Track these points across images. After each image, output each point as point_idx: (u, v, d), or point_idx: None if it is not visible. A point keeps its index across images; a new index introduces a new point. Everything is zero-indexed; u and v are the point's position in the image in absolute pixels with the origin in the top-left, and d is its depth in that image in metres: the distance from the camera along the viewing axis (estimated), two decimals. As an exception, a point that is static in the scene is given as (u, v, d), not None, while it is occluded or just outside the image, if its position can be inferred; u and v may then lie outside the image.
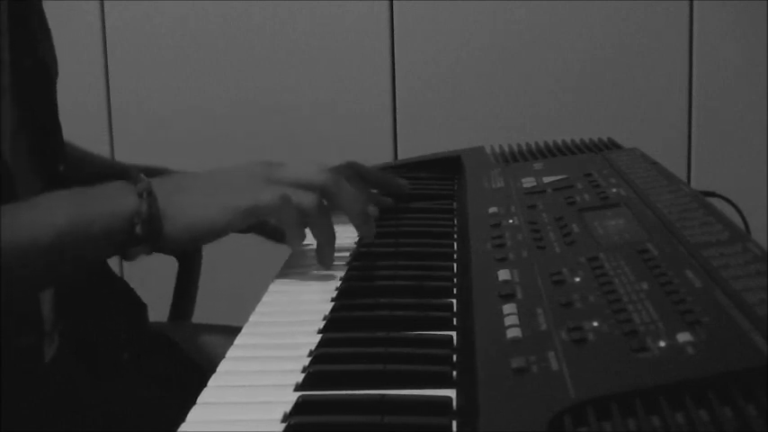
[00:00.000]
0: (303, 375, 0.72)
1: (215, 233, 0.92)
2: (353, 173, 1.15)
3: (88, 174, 1.21)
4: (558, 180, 1.13)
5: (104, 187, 0.91)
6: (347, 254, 1.02)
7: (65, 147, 1.09)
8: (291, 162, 0.97)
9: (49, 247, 0.86)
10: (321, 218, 0.94)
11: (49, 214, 0.87)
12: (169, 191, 0.91)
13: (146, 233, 0.89)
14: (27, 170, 0.99)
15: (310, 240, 0.98)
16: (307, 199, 0.93)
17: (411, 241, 1.07)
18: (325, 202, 0.96)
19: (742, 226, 1.11)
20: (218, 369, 0.75)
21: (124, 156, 1.32)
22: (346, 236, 1.04)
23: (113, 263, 1.10)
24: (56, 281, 0.94)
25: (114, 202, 0.89)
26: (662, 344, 0.64)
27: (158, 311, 1.29)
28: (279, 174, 0.94)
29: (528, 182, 1.14)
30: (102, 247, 0.90)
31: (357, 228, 1.00)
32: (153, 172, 1.19)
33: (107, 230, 0.88)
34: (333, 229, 0.96)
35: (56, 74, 1.09)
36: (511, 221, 0.99)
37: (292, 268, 1.00)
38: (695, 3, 2.12)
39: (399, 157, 2.18)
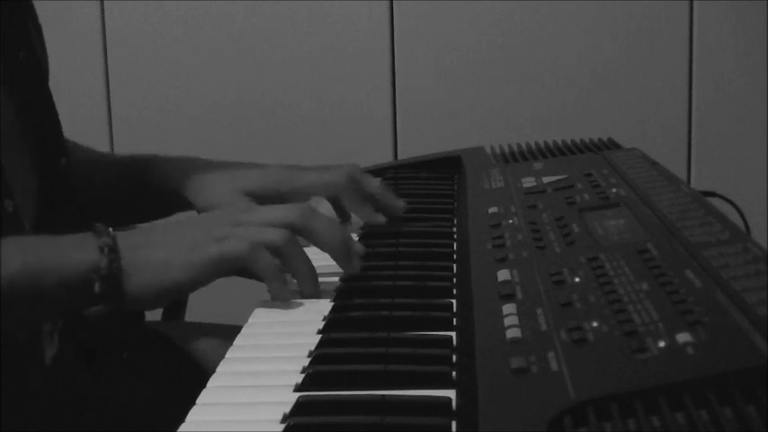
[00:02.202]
0: (303, 376, 0.72)
1: (180, 291, 0.88)
2: (352, 185, 1.12)
3: (103, 178, 1.22)
4: (558, 180, 1.13)
5: (66, 238, 0.87)
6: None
7: (65, 140, 1.09)
8: (264, 206, 0.94)
9: (5, 290, 0.82)
10: (292, 253, 0.89)
11: (4, 258, 0.83)
12: (133, 246, 0.86)
13: (104, 291, 0.83)
14: (24, 164, 0.99)
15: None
16: (274, 235, 0.88)
17: (411, 241, 1.07)
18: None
19: (742, 226, 1.11)
20: (218, 369, 0.75)
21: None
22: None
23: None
24: (15, 325, 0.88)
25: (73, 254, 0.85)
26: (662, 344, 0.64)
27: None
28: (245, 218, 0.90)
29: (528, 182, 1.14)
30: (58, 301, 0.85)
31: (338, 263, 0.93)
32: (169, 161, 1.19)
33: (63, 283, 0.84)
34: (308, 263, 0.90)
35: (47, 69, 1.09)
36: (511, 221, 0.99)
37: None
38: (695, 3, 2.12)
39: (399, 157, 2.18)
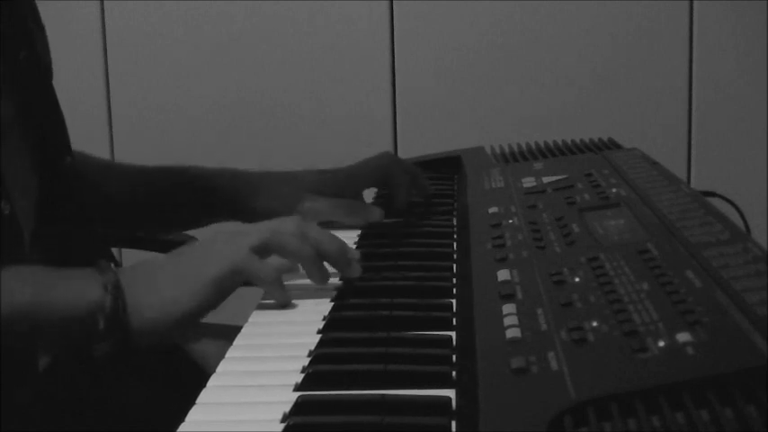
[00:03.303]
0: (303, 375, 0.72)
1: (189, 320, 0.87)
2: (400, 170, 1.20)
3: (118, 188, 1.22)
4: (558, 180, 1.13)
5: (70, 274, 0.86)
6: None
7: (69, 140, 1.09)
8: (255, 225, 0.95)
9: (6, 323, 0.81)
10: (299, 245, 0.91)
11: (11, 289, 0.82)
12: (137, 283, 0.85)
13: (109, 329, 0.82)
14: (24, 165, 0.99)
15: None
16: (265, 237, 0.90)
17: (411, 241, 1.07)
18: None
19: (742, 226, 1.11)
20: (218, 369, 0.76)
21: (124, 156, 1.31)
22: (344, 237, 1.04)
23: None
24: (20, 356, 0.88)
25: (78, 291, 0.83)
26: (662, 344, 0.64)
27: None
28: (241, 239, 0.90)
29: (528, 182, 1.14)
30: (62, 337, 0.84)
31: (338, 270, 0.94)
32: (183, 173, 1.20)
33: (69, 319, 0.83)
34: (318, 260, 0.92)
35: (51, 69, 1.09)
36: (511, 221, 0.99)
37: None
38: (695, 3, 2.12)
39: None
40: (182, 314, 0.86)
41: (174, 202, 1.21)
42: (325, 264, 0.93)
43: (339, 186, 1.19)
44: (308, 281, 0.92)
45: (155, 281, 0.87)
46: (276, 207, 1.16)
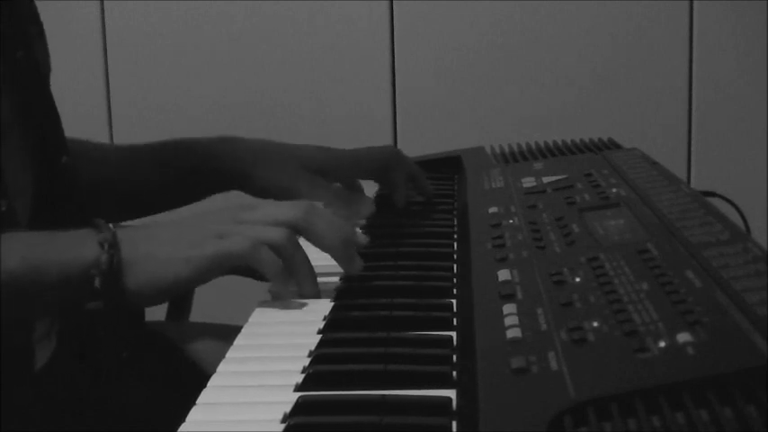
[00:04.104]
0: (303, 376, 0.72)
1: (180, 287, 0.87)
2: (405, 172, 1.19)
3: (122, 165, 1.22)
4: (558, 180, 1.13)
5: (66, 234, 0.86)
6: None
7: (65, 139, 1.09)
8: (264, 203, 0.94)
9: (3, 285, 0.82)
10: (293, 252, 0.88)
11: (3, 253, 0.83)
12: (134, 242, 0.86)
13: (104, 286, 0.83)
14: (23, 164, 0.99)
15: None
16: (275, 234, 0.87)
17: (411, 241, 1.07)
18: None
19: (742, 226, 1.11)
20: (218, 369, 0.75)
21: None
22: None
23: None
24: (14, 320, 0.88)
25: (73, 250, 0.84)
26: (662, 344, 0.64)
27: (156, 311, 1.29)
28: (246, 216, 0.90)
29: (528, 182, 1.14)
30: (58, 296, 0.85)
31: (339, 263, 0.93)
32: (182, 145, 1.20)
33: (63, 278, 0.83)
34: (307, 263, 0.90)
35: (48, 69, 1.09)
36: (511, 221, 0.99)
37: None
38: (695, 3, 2.12)
39: (399, 157, 2.18)
40: (175, 279, 0.86)
41: (172, 174, 1.22)
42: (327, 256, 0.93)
43: (340, 169, 1.19)
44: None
45: (153, 242, 0.87)
46: (274, 178, 1.16)
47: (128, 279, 0.85)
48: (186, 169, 1.21)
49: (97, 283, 0.83)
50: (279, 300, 0.89)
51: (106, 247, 0.84)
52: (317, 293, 0.90)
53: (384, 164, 1.22)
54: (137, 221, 1.34)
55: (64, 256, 0.84)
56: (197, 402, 0.69)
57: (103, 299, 0.84)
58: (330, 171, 1.18)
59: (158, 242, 0.87)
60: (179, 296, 1.15)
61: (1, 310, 0.83)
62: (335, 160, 1.20)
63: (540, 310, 0.74)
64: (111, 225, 0.87)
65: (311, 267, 0.90)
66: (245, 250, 0.86)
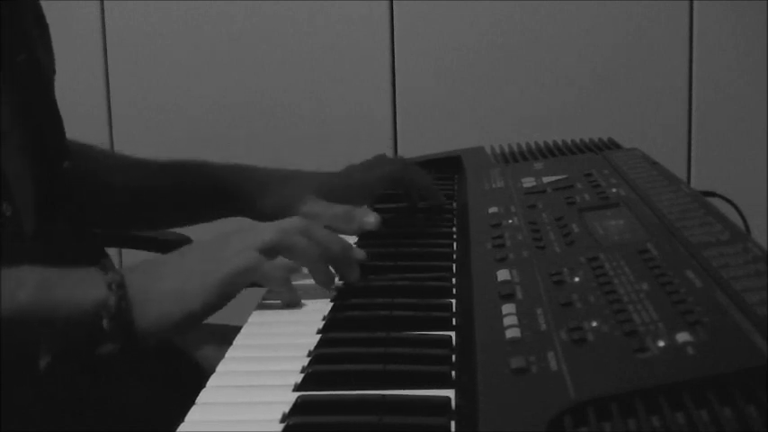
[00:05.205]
0: (302, 375, 0.72)
1: (195, 319, 0.86)
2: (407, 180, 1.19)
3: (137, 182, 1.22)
4: (558, 180, 1.13)
5: (74, 272, 0.85)
6: None
7: (67, 144, 1.09)
8: (263, 225, 0.94)
9: (7, 323, 0.81)
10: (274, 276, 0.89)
11: (13, 289, 0.81)
12: (141, 281, 0.84)
13: (114, 329, 0.82)
14: (24, 167, 0.99)
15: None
16: (248, 261, 0.87)
17: (411, 241, 1.07)
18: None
19: (742, 226, 1.11)
20: (218, 369, 0.75)
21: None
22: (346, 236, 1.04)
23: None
24: (21, 355, 0.86)
25: (80, 291, 0.83)
26: (662, 344, 0.64)
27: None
28: (248, 239, 0.90)
29: (528, 182, 1.14)
30: (66, 336, 0.83)
31: (315, 280, 0.93)
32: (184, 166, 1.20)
33: (71, 320, 0.82)
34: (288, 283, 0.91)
35: (53, 71, 1.09)
36: (511, 221, 0.99)
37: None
38: (695, 3, 2.12)
39: (399, 157, 2.18)
40: (187, 313, 0.85)
41: (181, 195, 1.21)
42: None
43: (348, 194, 1.18)
44: (308, 281, 0.92)
45: (159, 279, 0.86)
46: (281, 205, 1.16)
47: (138, 319, 0.83)
48: (195, 190, 1.21)
49: (105, 325, 0.82)
50: (291, 308, 0.89)
51: (114, 287, 0.83)
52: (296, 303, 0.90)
53: (395, 184, 1.22)
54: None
55: (71, 297, 0.83)
56: (196, 402, 0.69)
57: (112, 340, 0.82)
58: (336, 197, 1.17)
59: (166, 278, 0.86)
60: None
61: (5, 345, 0.82)
62: (343, 187, 1.19)
63: (539, 310, 0.74)
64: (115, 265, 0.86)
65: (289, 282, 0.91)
66: (251, 266, 0.86)
